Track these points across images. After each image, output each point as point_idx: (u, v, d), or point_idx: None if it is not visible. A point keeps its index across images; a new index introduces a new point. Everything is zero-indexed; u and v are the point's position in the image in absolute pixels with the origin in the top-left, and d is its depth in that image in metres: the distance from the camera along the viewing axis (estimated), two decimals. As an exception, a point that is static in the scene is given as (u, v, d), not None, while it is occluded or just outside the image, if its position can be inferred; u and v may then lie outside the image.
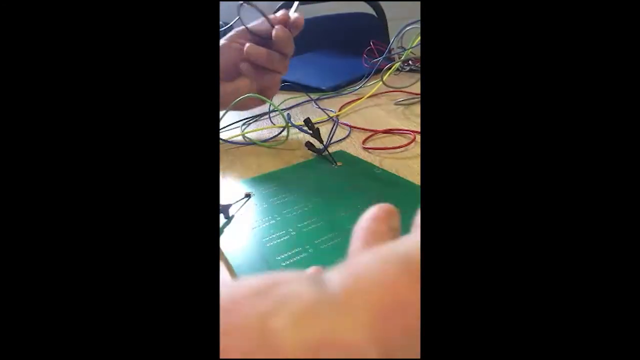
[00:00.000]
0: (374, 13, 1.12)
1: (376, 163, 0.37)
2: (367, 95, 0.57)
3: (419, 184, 0.32)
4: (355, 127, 0.47)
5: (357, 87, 0.63)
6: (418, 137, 0.41)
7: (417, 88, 0.57)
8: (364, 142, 0.42)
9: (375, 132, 0.44)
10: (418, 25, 0.57)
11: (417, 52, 0.64)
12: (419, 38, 0.57)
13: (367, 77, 0.62)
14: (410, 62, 0.69)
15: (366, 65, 0.65)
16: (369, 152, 0.40)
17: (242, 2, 0.44)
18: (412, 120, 0.48)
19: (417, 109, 0.51)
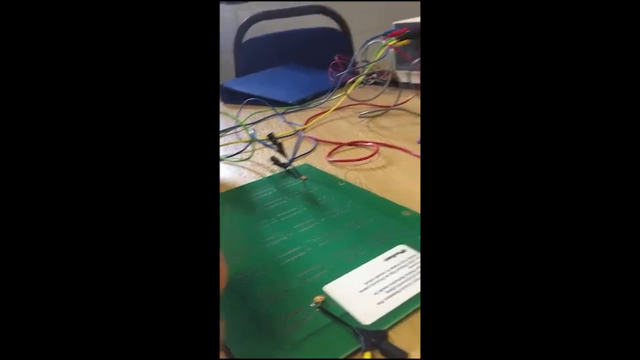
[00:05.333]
0: (339, 28, 1.14)
1: (341, 175, 0.37)
2: (333, 109, 0.58)
3: (382, 195, 0.32)
4: (320, 140, 0.47)
5: (323, 101, 0.63)
6: (381, 149, 0.42)
7: (381, 100, 0.58)
8: (329, 154, 0.42)
9: (341, 144, 0.45)
10: (380, 39, 0.59)
11: (381, 65, 0.66)
12: (382, 51, 0.58)
13: (332, 91, 0.63)
14: (374, 75, 0.70)
15: (331, 79, 0.66)
16: (334, 165, 0.40)
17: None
18: (376, 132, 0.48)
19: (381, 120, 0.52)
